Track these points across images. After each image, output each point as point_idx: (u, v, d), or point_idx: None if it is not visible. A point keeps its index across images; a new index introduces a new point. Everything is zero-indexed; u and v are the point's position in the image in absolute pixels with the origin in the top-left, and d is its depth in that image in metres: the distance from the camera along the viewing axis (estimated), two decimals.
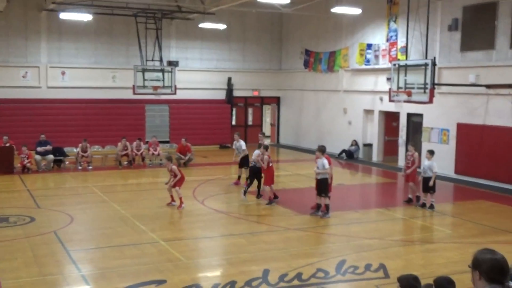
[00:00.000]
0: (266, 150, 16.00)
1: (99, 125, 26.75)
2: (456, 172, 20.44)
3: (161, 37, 25.52)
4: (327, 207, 14.32)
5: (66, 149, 23.16)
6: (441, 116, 21.01)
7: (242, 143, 19.04)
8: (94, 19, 25.22)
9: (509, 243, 12.07)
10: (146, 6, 24.97)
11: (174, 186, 15.36)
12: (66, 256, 10.83)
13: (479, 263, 3.50)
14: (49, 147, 22.16)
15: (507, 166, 18.25)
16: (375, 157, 25.12)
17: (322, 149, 14.57)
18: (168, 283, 9.33)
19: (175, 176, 15.34)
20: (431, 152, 15.53)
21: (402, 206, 15.86)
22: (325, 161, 14.22)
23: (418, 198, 15.84)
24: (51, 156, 21.99)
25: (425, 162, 15.53)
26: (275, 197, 15.85)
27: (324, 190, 14.22)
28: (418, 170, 16.14)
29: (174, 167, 15.59)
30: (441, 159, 20.64)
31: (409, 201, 16.03)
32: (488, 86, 18.59)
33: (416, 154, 16.20)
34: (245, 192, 15.93)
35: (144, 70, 23.99)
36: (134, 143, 23.35)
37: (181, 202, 15.17)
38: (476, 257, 3.56)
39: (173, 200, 15.53)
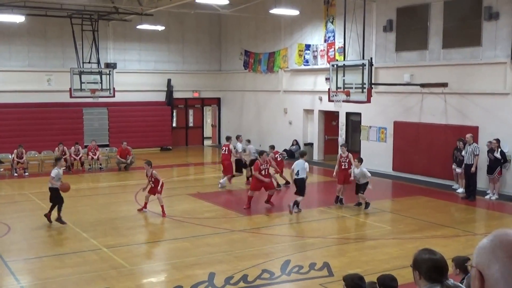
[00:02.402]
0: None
1: (35, 130, 25.92)
2: (394, 169, 21.01)
3: (97, 39, 25.03)
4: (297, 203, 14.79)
5: (0, 155, 22.35)
6: (379, 114, 21.54)
7: (240, 145, 19.66)
8: (27, 20, 24.43)
9: (446, 237, 12.52)
10: (82, 7, 24.42)
11: (153, 193, 14.82)
12: (4, 267, 10.46)
13: (419, 263, 3.65)
14: None
15: (441, 162, 18.90)
16: (316, 156, 25.47)
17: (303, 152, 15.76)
18: None
19: (157, 181, 14.77)
20: (360, 160, 15.46)
21: (343, 205, 16.01)
22: (306, 164, 15.01)
23: (338, 198, 15.91)
24: None
25: (355, 170, 15.28)
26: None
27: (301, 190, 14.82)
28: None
29: (155, 172, 14.94)
30: (379, 157, 21.24)
31: (341, 201, 15.89)
32: (422, 85, 19.20)
33: (351, 155, 16.22)
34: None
35: (81, 73, 23.48)
36: (72, 148, 22.81)
37: (163, 211, 14.65)
38: (416, 258, 3.71)
39: (145, 206, 15.01)
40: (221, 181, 18.92)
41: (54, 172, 13.72)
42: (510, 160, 16.78)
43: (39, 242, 12.36)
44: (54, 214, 13.59)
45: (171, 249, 12.00)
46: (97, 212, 15.21)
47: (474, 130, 17.76)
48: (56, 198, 13.59)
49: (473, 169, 16.40)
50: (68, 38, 24.92)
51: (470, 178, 16.68)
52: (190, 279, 9.70)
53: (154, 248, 12.20)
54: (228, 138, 19.65)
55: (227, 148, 19.15)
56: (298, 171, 14.91)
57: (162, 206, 14.71)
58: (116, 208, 15.81)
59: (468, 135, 16.81)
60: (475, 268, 1.68)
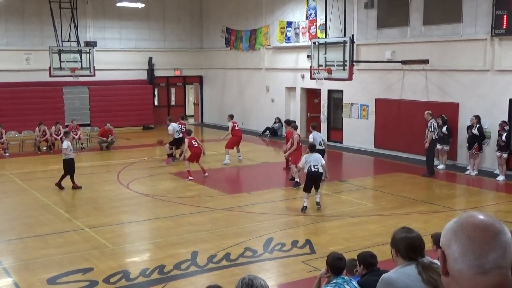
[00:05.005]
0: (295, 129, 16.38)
1: (15, 110, 25.61)
2: (376, 146, 21.14)
3: (76, 16, 24.65)
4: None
5: None
6: (361, 92, 21.59)
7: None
8: None
9: (426, 213, 12.68)
10: None
11: (191, 160, 16.49)
12: None
13: (396, 242, 3.81)
14: None
15: (422, 139, 18.98)
16: None
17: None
18: (95, 271, 9.20)
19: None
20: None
21: (326, 182, 15.67)
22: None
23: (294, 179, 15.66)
24: None
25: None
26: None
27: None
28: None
29: (186, 140, 16.51)
30: (361, 134, 21.38)
31: (297, 184, 15.32)
32: (404, 62, 19.26)
33: (296, 136, 15.64)
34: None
35: (60, 52, 23.16)
36: (53, 128, 22.60)
37: (189, 174, 16.29)
38: (394, 236, 3.88)
39: (204, 171, 16.61)
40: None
41: (65, 144, 15.49)
42: (490, 137, 16.96)
43: (20, 223, 12.29)
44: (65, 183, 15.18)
45: (153, 229, 12.01)
46: (79, 192, 15.15)
47: (455, 107, 17.91)
48: (69, 168, 15.32)
49: (426, 145, 16.68)
50: (47, 16, 24.49)
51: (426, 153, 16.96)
52: (173, 258, 9.74)
53: (136, 227, 12.20)
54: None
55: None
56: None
57: (188, 171, 16.39)
58: (98, 188, 15.76)
59: (426, 112, 17.07)
60: (440, 249, 1.76)
